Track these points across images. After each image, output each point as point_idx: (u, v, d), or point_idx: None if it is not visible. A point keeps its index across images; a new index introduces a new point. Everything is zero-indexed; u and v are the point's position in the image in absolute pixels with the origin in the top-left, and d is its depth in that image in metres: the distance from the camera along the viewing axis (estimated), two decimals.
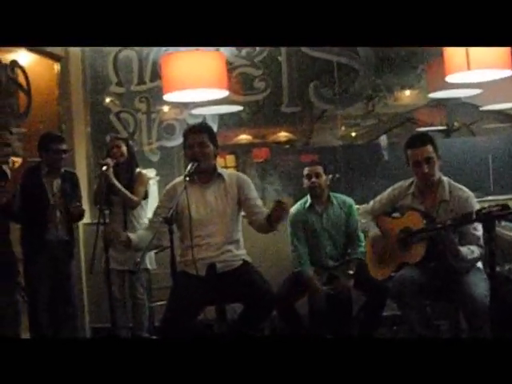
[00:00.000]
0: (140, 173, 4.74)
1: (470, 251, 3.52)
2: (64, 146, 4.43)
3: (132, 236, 3.69)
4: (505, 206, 2.95)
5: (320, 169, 4.51)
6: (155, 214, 3.84)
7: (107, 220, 4.26)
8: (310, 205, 4.56)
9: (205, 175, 3.76)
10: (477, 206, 3.60)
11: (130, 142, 4.94)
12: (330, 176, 4.60)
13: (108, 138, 4.83)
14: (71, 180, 4.55)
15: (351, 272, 4.38)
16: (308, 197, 4.59)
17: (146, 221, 4.72)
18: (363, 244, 4.37)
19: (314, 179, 4.49)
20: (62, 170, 4.48)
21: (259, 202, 3.82)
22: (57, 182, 4.45)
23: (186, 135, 3.80)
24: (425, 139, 3.74)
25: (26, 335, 4.51)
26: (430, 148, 3.68)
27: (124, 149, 4.66)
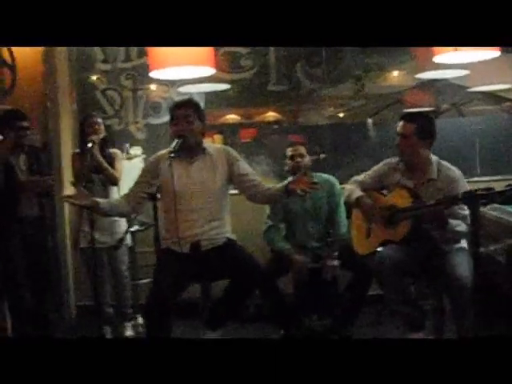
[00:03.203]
0: (115, 151, 4.75)
1: (457, 223, 3.53)
2: (26, 123, 4.36)
3: (101, 201, 3.63)
4: (489, 189, 2.95)
5: (303, 149, 4.48)
6: (136, 184, 3.78)
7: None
8: None
9: (189, 150, 3.71)
10: (465, 187, 3.62)
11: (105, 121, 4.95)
12: (315, 156, 4.58)
13: (86, 116, 4.77)
14: (36, 155, 4.49)
15: (336, 254, 4.38)
16: (290, 178, 4.56)
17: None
18: (345, 224, 4.36)
19: (298, 159, 4.46)
20: (26, 146, 4.42)
21: (254, 175, 3.79)
22: (23, 158, 4.40)
23: (172, 110, 3.74)
24: (413, 118, 3.77)
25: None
26: (411, 127, 3.71)
27: (103, 126, 4.64)
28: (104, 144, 4.64)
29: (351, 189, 3.98)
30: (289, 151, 4.50)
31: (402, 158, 3.80)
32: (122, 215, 3.82)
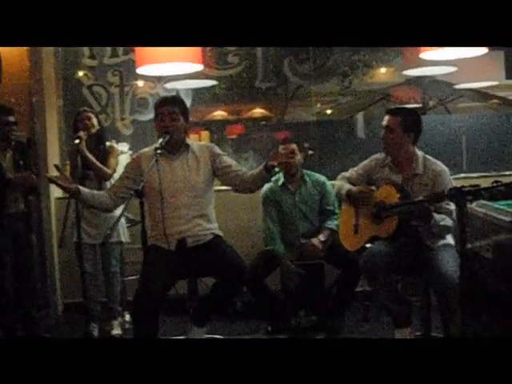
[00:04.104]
0: (111, 146, 4.69)
1: (442, 218, 3.55)
2: (12, 118, 4.31)
3: (83, 189, 3.64)
4: (476, 186, 2.96)
5: (295, 147, 4.47)
6: (119, 180, 3.82)
7: None
8: (283, 183, 4.54)
9: (173, 147, 3.72)
10: (451, 181, 3.66)
11: (99, 116, 4.88)
12: (303, 153, 4.57)
13: (78, 112, 4.73)
14: (22, 150, 4.42)
15: (322, 238, 4.39)
16: (281, 175, 4.56)
17: None
18: (337, 218, 4.36)
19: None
20: (12, 142, 4.37)
21: (237, 166, 3.79)
22: (9, 155, 4.35)
23: (157, 107, 3.75)
24: (398, 112, 3.80)
25: None
26: (396, 120, 3.73)
27: (95, 121, 4.59)
28: (98, 138, 4.60)
29: (341, 184, 3.99)
30: (280, 149, 4.46)
31: (386, 152, 3.82)
32: (104, 209, 3.79)
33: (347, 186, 3.92)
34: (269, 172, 3.53)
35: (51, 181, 3.62)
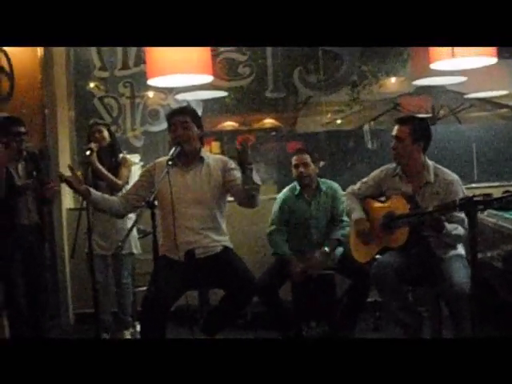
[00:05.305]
0: (124, 157, 4.72)
1: (454, 227, 3.53)
2: (23, 129, 4.31)
3: (94, 191, 3.66)
4: (486, 195, 2.96)
5: (307, 158, 4.48)
6: (132, 187, 3.85)
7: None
8: (299, 193, 4.55)
9: (187, 158, 3.73)
10: (462, 190, 3.67)
11: (111, 128, 4.92)
12: (316, 164, 4.58)
13: (90, 123, 4.78)
14: (33, 160, 4.43)
15: (327, 250, 4.38)
16: (296, 184, 4.57)
17: None
18: (346, 227, 4.37)
19: (301, 169, 4.46)
20: (24, 152, 4.39)
21: None
22: (21, 165, 4.37)
23: (168, 118, 3.77)
24: (407, 121, 3.81)
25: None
26: (405, 129, 3.74)
27: (106, 133, 4.63)
28: (111, 150, 4.65)
29: (352, 206, 3.99)
30: (293, 160, 4.51)
31: (397, 161, 3.82)
32: (114, 214, 3.81)
33: (356, 215, 3.92)
34: (242, 167, 3.35)
35: (62, 179, 3.64)
